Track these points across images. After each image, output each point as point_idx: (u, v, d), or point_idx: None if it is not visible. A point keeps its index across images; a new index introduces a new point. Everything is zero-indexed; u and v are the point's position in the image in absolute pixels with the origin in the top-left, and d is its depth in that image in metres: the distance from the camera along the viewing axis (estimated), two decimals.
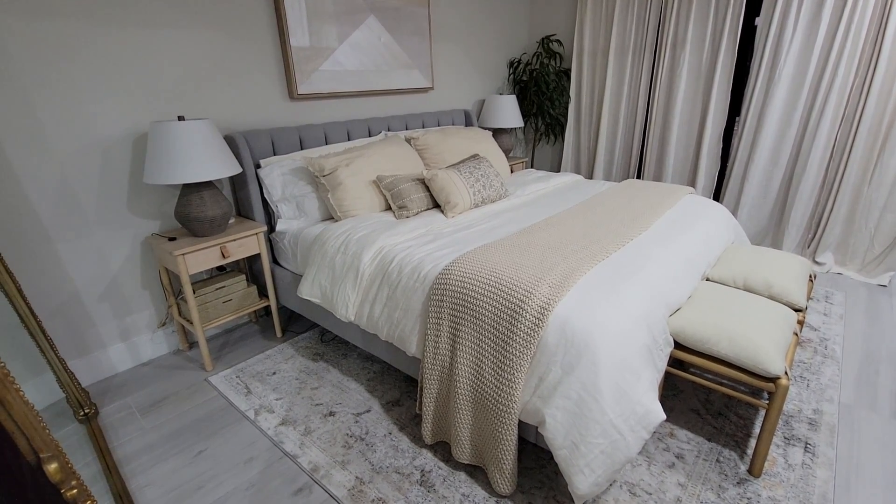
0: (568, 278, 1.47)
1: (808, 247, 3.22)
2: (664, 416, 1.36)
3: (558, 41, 4.00)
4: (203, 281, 2.27)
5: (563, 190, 2.76)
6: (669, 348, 1.54)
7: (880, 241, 2.97)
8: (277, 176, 2.31)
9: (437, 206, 2.39)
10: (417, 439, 1.74)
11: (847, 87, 2.86)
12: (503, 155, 3.12)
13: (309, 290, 2.02)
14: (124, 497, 1.49)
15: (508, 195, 2.58)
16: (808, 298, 1.92)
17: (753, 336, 1.46)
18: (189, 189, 2.01)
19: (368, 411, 1.90)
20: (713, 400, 1.91)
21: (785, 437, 1.70)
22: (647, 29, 3.54)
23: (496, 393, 1.40)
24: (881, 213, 2.93)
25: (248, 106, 2.42)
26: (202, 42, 2.18)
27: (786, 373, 1.42)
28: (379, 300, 1.81)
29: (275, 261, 2.43)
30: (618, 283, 1.50)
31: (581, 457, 1.28)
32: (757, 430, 1.75)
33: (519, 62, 4.11)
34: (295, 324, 2.61)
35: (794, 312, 1.68)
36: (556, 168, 4.48)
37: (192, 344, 2.41)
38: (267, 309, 2.71)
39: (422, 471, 1.60)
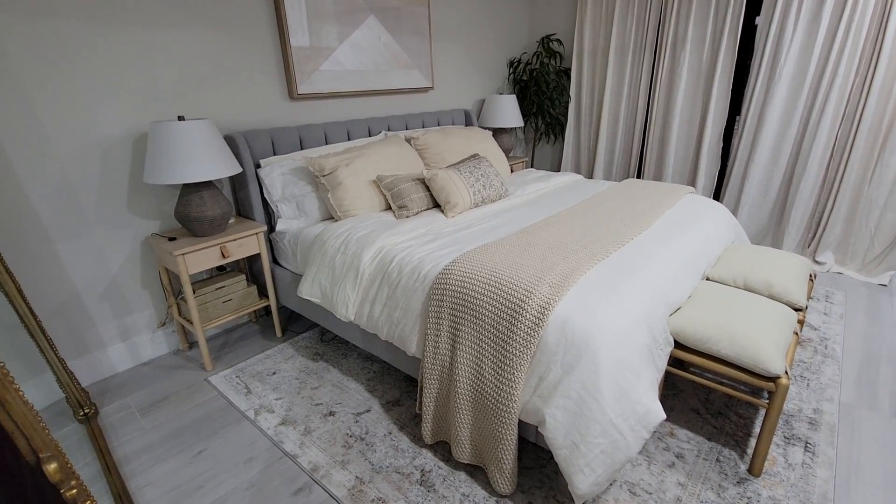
0: (568, 278, 1.47)
1: (809, 246, 3.22)
2: (664, 416, 1.36)
3: (558, 41, 3.99)
4: (203, 281, 2.27)
5: (563, 189, 2.76)
6: (669, 348, 1.54)
7: (881, 240, 2.97)
8: (277, 176, 2.31)
9: (437, 205, 2.39)
10: (417, 439, 1.74)
11: (847, 86, 2.86)
12: (503, 154, 3.12)
13: (309, 290, 2.02)
14: (124, 497, 1.49)
15: (508, 195, 2.58)
16: (809, 298, 1.92)
17: (754, 335, 1.45)
18: (189, 189, 2.01)
19: (368, 411, 1.90)
20: (713, 399, 1.91)
21: (785, 437, 1.70)
22: (647, 28, 3.54)
23: (496, 392, 1.40)
24: (881, 212, 2.92)
25: (248, 106, 2.42)
26: (202, 42, 2.18)
27: (786, 372, 1.42)
28: (379, 300, 1.81)
29: (275, 261, 2.43)
30: (618, 283, 1.50)
31: (581, 456, 1.28)
32: (757, 429, 1.75)
33: (519, 62, 4.11)
34: (295, 324, 2.61)
35: (794, 312, 1.68)
36: (556, 168, 4.48)
37: (192, 344, 2.41)
38: (267, 309, 2.71)
39: (422, 470, 1.60)
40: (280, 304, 2.48)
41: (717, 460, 1.61)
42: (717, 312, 1.58)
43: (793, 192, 3.16)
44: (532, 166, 4.56)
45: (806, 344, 2.28)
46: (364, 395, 1.99)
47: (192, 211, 2.00)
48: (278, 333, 2.47)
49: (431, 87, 3.39)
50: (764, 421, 1.47)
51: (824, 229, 3.11)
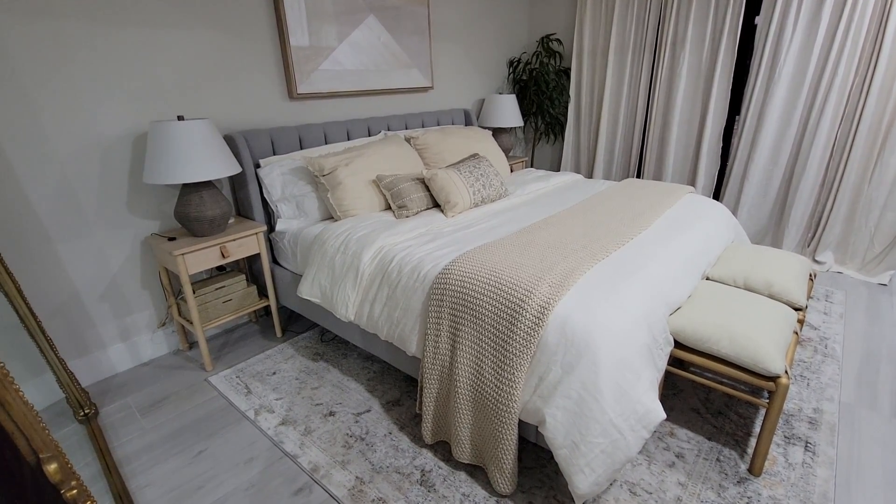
0: (568, 278, 1.47)
1: (809, 246, 3.22)
2: (664, 416, 1.36)
3: (558, 40, 3.99)
4: (203, 281, 2.27)
5: (562, 189, 2.76)
6: (669, 347, 1.54)
7: (880, 239, 2.97)
8: (277, 176, 2.31)
9: (436, 205, 2.39)
10: (417, 439, 1.74)
11: (847, 85, 2.86)
12: (503, 154, 3.11)
13: (309, 290, 2.02)
14: (124, 497, 1.49)
15: (508, 194, 2.58)
16: (809, 297, 1.92)
17: (753, 335, 1.45)
18: (188, 189, 2.01)
19: (368, 411, 1.90)
20: (713, 399, 1.91)
21: (785, 436, 1.70)
22: (646, 28, 3.54)
23: (496, 392, 1.40)
24: (881, 211, 2.93)
25: (248, 106, 2.42)
26: (202, 42, 2.18)
27: (786, 372, 1.42)
28: (379, 300, 1.81)
29: (274, 261, 2.43)
30: (618, 283, 1.50)
31: (581, 456, 1.28)
32: (757, 429, 1.75)
33: (519, 61, 4.11)
34: (295, 324, 2.61)
35: (794, 311, 1.68)
36: (556, 167, 4.48)
37: (192, 344, 2.41)
38: (267, 309, 2.71)
39: (422, 470, 1.60)
40: (280, 304, 2.48)
41: (718, 460, 1.61)
42: (717, 312, 1.58)
43: (792, 192, 3.16)
44: (532, 166, 4.56)
45: (806, 343, 2.28)
46: (364, 395, 1.99)
47: (192, 211, 2.00)
48: (278, 333, 2.47)
49: (431, 87, 3.39)
50: (764, 420, 1.47)
51: (824, 229, 3.11)
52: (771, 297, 1.80)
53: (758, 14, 3.12)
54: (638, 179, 2.86)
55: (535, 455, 1.65)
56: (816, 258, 3.15)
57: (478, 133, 3.05)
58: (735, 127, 3.46)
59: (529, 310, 1.37)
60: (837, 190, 3.01)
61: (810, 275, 2.06)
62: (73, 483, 0.89)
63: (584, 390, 1.28)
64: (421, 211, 2.29)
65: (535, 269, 1.51)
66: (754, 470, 1.54)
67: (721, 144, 3.43)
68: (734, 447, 1.66)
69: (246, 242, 2.19)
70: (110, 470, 1.59)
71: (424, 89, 3.36)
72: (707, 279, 1.95)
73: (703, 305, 1.64)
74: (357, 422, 1.84)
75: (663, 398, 1.92)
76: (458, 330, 1.51)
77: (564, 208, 2.30)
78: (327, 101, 2.78)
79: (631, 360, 1.34)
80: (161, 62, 2.07)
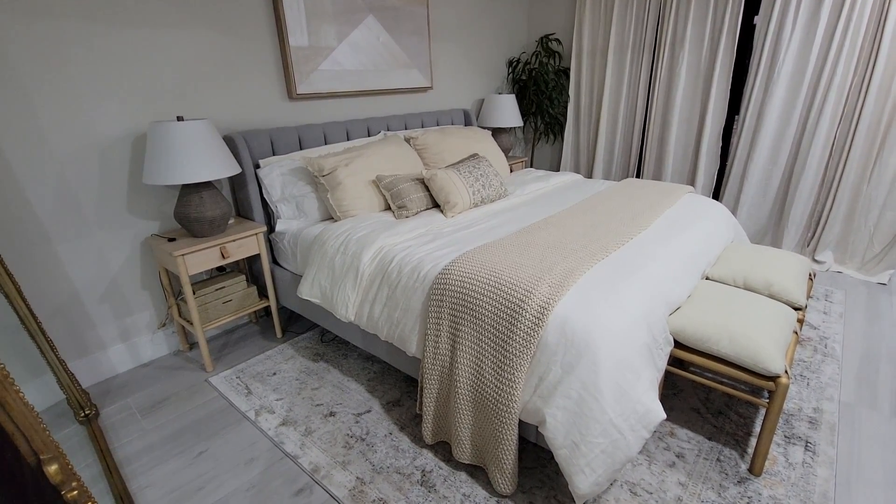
0: (567, 278, 1.47)
1: (808, 245, 3.22)
2: (664, 416, 1.36)
3: (557, 40, 3.99)
4: (203, 281, 2.27)
5: (562, 189, 2.76)
6: (669, 347, 1.54)
7: (880, 239, 2.97)
8: (277, 176, 2.31)
9: (436, 205, 2.39)
10: (418, 439, 1.74)
11: (846, 85, 2.86)
12: (502, 154, 3.12)
13: (309, 291, 2.02)
14: (125, 498, 1.49)
15: (508, 195, 2.58)
16: (808, 297, 1.92)
17: (753, 335, 1.46)
18: (188, 189, 2.01)
19: (369, 411, 1.90)
20: (713, 399, 1.91)
21: (785, 436, 1.70)
22: (646, 28, 3.54)
23: (496, 393, 1.40)
24: (881, 211, 2.93)
25: (247, 106, 2.42)
26: (201, 42, 2.18)
27: (786, 371, 1.42)
28: (379, 300, 1.81)
29: (274, 261, 2.43)
30: (617, 283, 1.50)
31: (581, 456, 1.28)
32: (757, 428, 1.75)
33: (518, 61, 4.11)
34: (295, 324, 2.61)
35: (793, 311, 1.68)
36: (556, 167, 4.48)
37: (193, 345, 2.41)
38: (267, 309, 2.71)
39: (422, 471, 1.60)
40: (280, 304, 2.48)
41: (718, 460, 1.61)
42: (716, 312, 1.58)
43: (792, 191, 3.16)
44: (531, 166, 4.56)
45: (806, 343, 2.28)
46: (364, 396, 1.99)
47: (192, 211, 2.00)
48: (278, 334, 2.47)
49: (430, 87, 3.39)
50: (764, 420, 1.47)
51: (823, 228, 3.11)
52: (771, 296, 1.80)
53: (757, 13, 3.12)
54: (637, 179, 2.86)
55: (535, 455, 1.65)
56: (816, 258, 3.15)
57: (477, 133, 3.05)
58: (734, 126, 3.47)
59: (529, 310, 1.37)
60: (837, 189, 3.01)
61: (810, 274, 2.07)
62: (74, 484, 0.89)
63: (584, 390, 1.29)
64: (421, 211, 2.29)
65: (535, 270, 1.51)
66: (754, 470, 1.54)
67: (720, 144, 3.44)
68: (734, 447, 1.66)
69: (246, 243, 2.19)
70: (111, 471, 1.59)
71: (424, 89, 3.36)
72: (707, 279, 1.95)
73: (702, 305, 1.64)
74: (357, 422, 1.84)
75: (663, 398, 1.92)
76: (458, 330, 1.51)
77: (564, 208, 2.31)
78: (327, 102, 2.78)
79: (631, 359, 1.34)
80: (160, 62, 2.07)
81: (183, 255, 1.96)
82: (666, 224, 2.07)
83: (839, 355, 2.17)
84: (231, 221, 2.32)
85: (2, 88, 1.70)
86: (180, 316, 2.27)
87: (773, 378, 1.42)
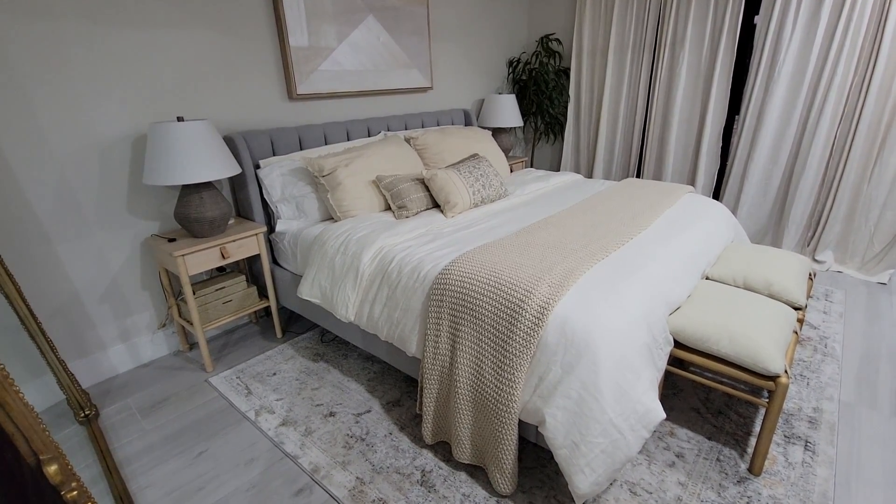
0: (567, 278, 1.47)
1: (808, 245, 3.22)
2: (664, 415, 1.36)
3: (557, 40, 3.99)
4: (203, 282, 2.27)
5: (562, 189, 2.76)
6: (669, 347, 1.54)
7: (880, 238, 2.97)
8: (277, 176, 2.31)
9: (436, 205, 2.39)
10: (418, 439, 1.74)
11: (846, 84, 2.86)
12: (503, 154, 3.12)
13: (309, 291, 2.02)
14: (125, 498, 1.49)
15: (508, 195, 2.58)
16: (808, 297, 1.92)
17: (753, 335, 1.46)
18: (188, 190, 2.01)
19: (369, 411, 1.90)
20: (713, 398, 1.91)
21: (785, 436, 1.70)
22: (646, 27, 3.54)
23: (496, 393, 1.40)
24: (881, 210, 2.93)
25: (248, 106, 2.42)
26: (201, 42, 2.18)
27: (786, 371, 1.42)
28: (379, 300, 1.81)
29: (274, 261, 2.43)
30: (617, 283, 1.50)
31: (581, 456, 1.28)
32: (757, 428, 1.75)
33: (518, 61, 4.11)
34: (295, 324, 2.61)
35: (793, 311, 1.68)
36: (556, 167, 4.48)
37: (193, 345, 2.41)
38: (267, 309, 2.71)
39: (422, 471, 1.60)
40: (280, 304, 2.48)
41: (718, 459, 1.61)
42: (716, 311, 1.58)
43: (792, 191, 3.16)
44: (531, 166, 4.56)
45: (806, 343, 2.28)
46: (364, 396, 1.99)
47: (192, 212, 2.00)
48: (278, 334, 2.47)
49: (430, 87, 3.39)
50: (764, 420, 1.47)
51: (824, 228, 3.11)
52: (771, 296, 1.80)
53: (757, 13, 3.12)
54: (637, 179, 2.86)
55: (535, 455, 1.65)
56: (816, 257, 3.15)
57: (477, 133, 3.05)
58: (735, 126, 3.47)
59: (529, 310, 1.37)
60: (837, 189, 3.01)
61: (810, 274, 2.06)
62: (74, 484, 0.89)
63: (584, 390, 1.29)
64: (421, 211, 2.29)
65: (535, 270, 1.51)
66: (754, 469, 1.54)
67: (721, 144, 3.44)
68: (734, 447, 1.66)
69: (246, 243, 2.19)
70: (111, 471, 1.60)
71: (424, 89, 3.36)
72: (707, 279, 1.95)
73: (702, 305, 1.64)
74: (357, 422, 1.84)
75: (663, 398, 1.92)
76: (458, 330, 1.51)
77: (564, 208, 2.31)
78: (327, 102, 2.78)
79: (631, 359, 1.34)
80: (160, 63, 2.07)
81: (183, 255, 1.96)
82: (666, 224, 2.07)
83: (839, 355, 2.17)
84: (231, 222, 2.32)
85: (2, 88, 1.70)
86: (180, 316, 2.27)
87: (773, 378, 1.42)
